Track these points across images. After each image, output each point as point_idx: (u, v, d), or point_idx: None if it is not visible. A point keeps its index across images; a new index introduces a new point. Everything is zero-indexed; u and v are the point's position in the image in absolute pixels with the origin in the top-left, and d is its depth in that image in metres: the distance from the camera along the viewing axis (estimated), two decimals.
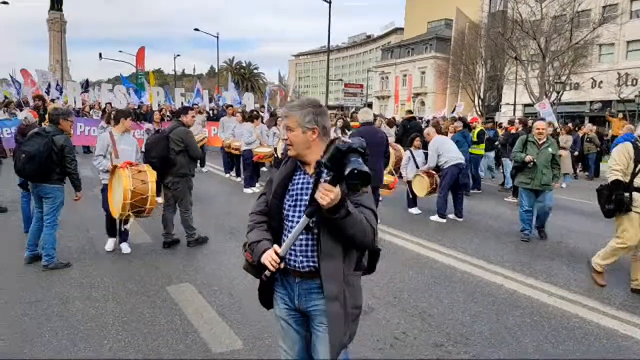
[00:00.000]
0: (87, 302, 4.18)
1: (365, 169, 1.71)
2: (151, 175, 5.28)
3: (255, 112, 11.46)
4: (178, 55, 73.65)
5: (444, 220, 7.80)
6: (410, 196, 8.54)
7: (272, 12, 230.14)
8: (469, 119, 17.31)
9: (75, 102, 17.77)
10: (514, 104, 34.52)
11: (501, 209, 9.27)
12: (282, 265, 1.99)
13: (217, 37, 41.56)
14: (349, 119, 14.09)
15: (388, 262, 5.59)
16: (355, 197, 1.95)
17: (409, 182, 8.43)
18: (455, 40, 45.79)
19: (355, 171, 1.69)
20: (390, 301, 4.43)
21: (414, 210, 8.47)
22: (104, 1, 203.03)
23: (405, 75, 56.44)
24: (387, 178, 7.91)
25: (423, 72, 57.57)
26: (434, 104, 53.54)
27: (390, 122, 12.53)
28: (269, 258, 1.97)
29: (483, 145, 11.54)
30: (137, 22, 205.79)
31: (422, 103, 57.17)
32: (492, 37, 34.73)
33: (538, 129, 6.74)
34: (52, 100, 15.66)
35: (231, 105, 14.93)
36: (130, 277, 4.85)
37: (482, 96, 40.08)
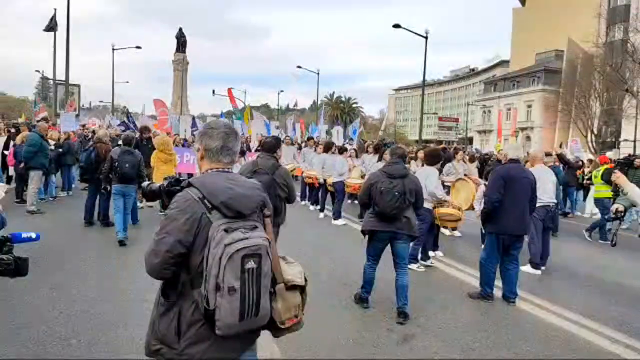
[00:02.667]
0: None
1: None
2: None
3: (344, 146, 12.16)
4: (282, 91, 78.21)
5: (539, 272, 6.84)
6: (484, 231, 8.23)
7: (373, 48, 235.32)
8: (585, 157, 16.13)
9: (186, 133, 19.93)
10: (634, 140, 31.25)
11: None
12: None
13: (318, 73, 43.66)
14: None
15: (445, 294, 5.56)
16: None
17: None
18: (566, 72, 43.04)
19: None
20: (434, 331, 4.43)
21: None
22: (221, 43, 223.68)
23: (509, 109, 54.01)
24: (452, 212, 7.78)
25: (529, 106, 54.61)
26: (541, 139, 50.25)
27: (472, 158, 12.23)
28: None
29: (609, 187, 9.68)
30: (246, 60, 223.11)
31: (528, 138, 53.95)
32: (601, 69, 32.25)
33: None
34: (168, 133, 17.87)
35: (312, 137, 15.66)
36: None
37: (595, 131, 36.87)
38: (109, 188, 7.93)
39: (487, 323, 4.79)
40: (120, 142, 9.34)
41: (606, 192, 9.86)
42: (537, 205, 6.48)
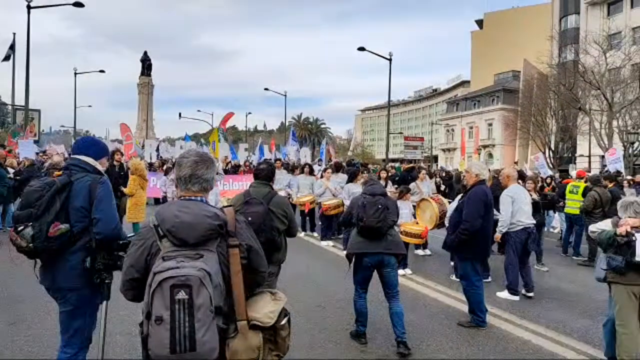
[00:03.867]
0: None
1: None
2: None
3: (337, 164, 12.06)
4: (249, 113, 78.60)
5: (517, 298, 6.41)
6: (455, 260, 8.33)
7: (339, 70, 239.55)
8: (548, 173, 16.77)
9: (151, 157, 19.61)
10: (589, 155, 32.74)
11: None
12: None
13: (285, 95, 43.95)
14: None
15: (415, 315, 5.60)
16: None
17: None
18: (523, 91, 44.89)
19: None
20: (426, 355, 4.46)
21: None
22: (189, 66, 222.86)
23: (471, 128, 55.72)
24: (416, 227, 7.93)
25: (490, 124, 56.59)
26: (502, 156, 52.02)
27: (431, 175, 12.63)
28: None
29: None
30: (214, 83, 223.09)
31: (490, 155, 55.73)
32: (555, 88, 33.95)
33: None
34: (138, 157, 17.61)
35: (279, 159, 15.68)
36: None
37: (552, 148, 38.42)
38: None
39: (460, 340, 4.86)
40: None
41: (577, 208, 9.42)
42: (517, 228, 6.49)
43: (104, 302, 3.14)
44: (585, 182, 10.02)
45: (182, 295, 1.75)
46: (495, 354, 4.53)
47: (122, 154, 10.92)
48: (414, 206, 9.32)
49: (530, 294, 6.54)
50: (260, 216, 3.72)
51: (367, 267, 4.65)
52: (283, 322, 2.04)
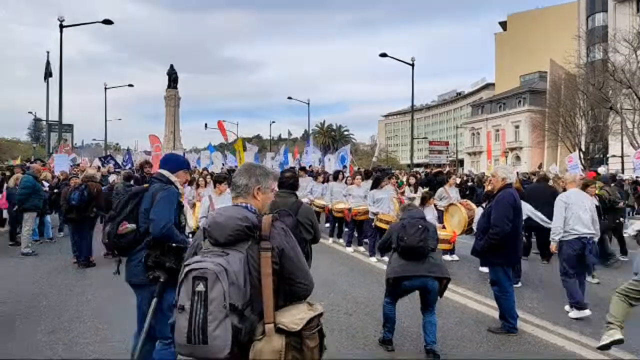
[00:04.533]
0: None
1: None
2: None
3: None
4: (273, 122, 79.25)
5: (588, 312, 5.64)
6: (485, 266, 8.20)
7: (362, 77, 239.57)
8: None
9: None
10: (622, 156, 31.76)
11: None
12: None
13: (308, 104, 44.27)
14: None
15: (444, 320, 5.54)
16: None
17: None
18: (550, 92, 43.99)
19: None
20: None
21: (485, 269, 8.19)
22: (213, 78, 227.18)
23: (497, 130, 54.86)
24: (444, 233, 7.87)
25: (517, 127, 55.61)
26: (530, 158, 50.93)
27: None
28: None
29: None
30: (238, 93, 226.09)
31: (517, 158, 54.66)
32: (584, 88, 33.14)
33: None
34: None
35: (303, 168, 15.73)
36: None
37: (583, 149, 37.43)
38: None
39: (490, 347, 4.79)
40: (114, 179, 9.51)
41: None
42: (570, 237, 5.84)
43: (154, 299, 3.29)
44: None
45: (200, 287, 1.87)
46: None
47: (151, 165, 11.00)
48: (441, 211, 9.24)
49: (575, 314, 5.71)
50: (291, 228, 3.72)
51: (406, 290, 4.57)
52: (312, 330, 2.02)
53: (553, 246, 6.12)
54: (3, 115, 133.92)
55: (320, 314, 2.07)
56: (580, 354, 4.64)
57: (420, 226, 4.50)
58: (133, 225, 3.38)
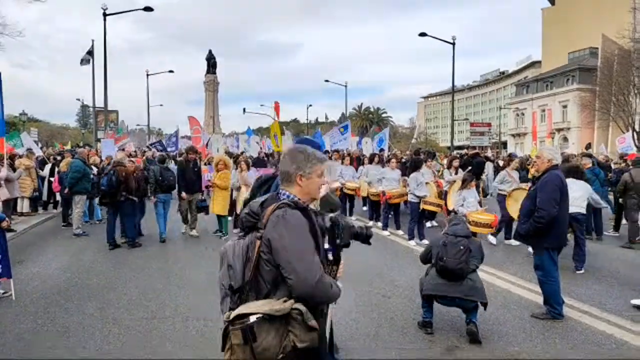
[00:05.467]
0: None
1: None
2: None
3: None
4: (310, 106, 79.62)
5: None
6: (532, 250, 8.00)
7: (401, 58, 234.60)
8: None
9: (218, 151, 20.41)
10: None
11: None
12: None
13: (346, 86, 43.89)
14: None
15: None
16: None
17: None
18: (602, 69, 41.59)
19: None
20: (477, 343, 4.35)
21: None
22: (251, 62, 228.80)
23: (543, 111, 52.55)
24: (485, 217, 7.65)
25: (565, 106, 53.03)
26: (578, 139, 48.59)
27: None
28: None
29: None
30: (275, 77, 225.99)
31: (565, 139, 52.31)
32: (639, 64, 31.09)
33: None
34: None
35: (337, 151, 15.62)
36: None
37: (637, 129, 35.37)
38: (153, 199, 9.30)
39: (533, 332, 4.66)
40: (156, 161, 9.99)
41: None
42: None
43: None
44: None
45: None
46: (574, 348, 4.29)
47: (195, 152, 10.60)
48: (503, 195, 8.96)
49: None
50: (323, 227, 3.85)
51: (442, 304, 4.55)
52: (236, 326, 1.95)
53: None
54: (52, 101, 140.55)
55: (271, 316, 1.92)
56: (634, 343, 4.43)
57: (462, 247, 4.39)
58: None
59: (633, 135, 34.85)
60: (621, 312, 5.21)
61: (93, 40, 23.51)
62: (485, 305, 4.38)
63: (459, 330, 4.56)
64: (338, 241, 2.31)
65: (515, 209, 8.28)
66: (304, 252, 2.01)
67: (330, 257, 2.28)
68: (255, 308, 1.95)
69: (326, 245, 2.25)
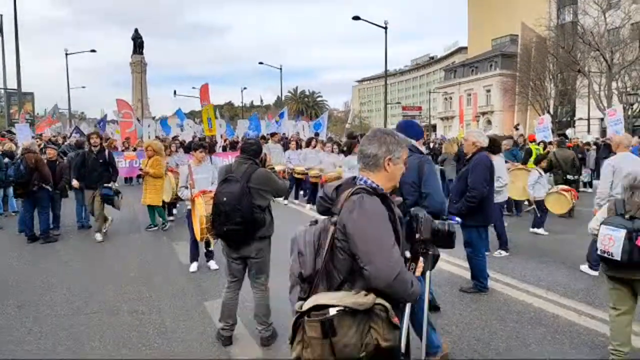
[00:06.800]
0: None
1: None
2: None
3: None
4: (245, 88, 78.12)
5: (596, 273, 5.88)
6: (539, 215, 8.41)
7: (334, 42, 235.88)
8: (550, 138, 16.70)
9: (149, 137, 19.48)
10: (588, 119, 32.59)
11: None
12: None
13: (281, 69, 43.44)
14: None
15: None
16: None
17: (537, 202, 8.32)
18: (521, 56, 44.28)
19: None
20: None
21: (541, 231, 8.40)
22: (181, 43, 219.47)
23: (469, 95, 55.25)
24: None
25: (488, 91, 56.04)
26: (501, 122, 51.73)
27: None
28: None
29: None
30: (207, 59, 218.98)
31: (489, 122, 55.43)
32: (554, 51, 33.50)
33: None
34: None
35: (276, 133, 15.47)
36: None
37: (551, 112, 38.19)
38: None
39: (462, 305, 4.92)
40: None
41: None
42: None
43: (427, 272, 2.68)
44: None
45: None
46: (498, 317, 4.59)
47: (100, 137, 8.86)
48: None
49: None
50: (235, 197, 3.67)
51: None
52: (312, 318, 1.81)
53: (595, 210, 5.41)
54: None
55: (353, 310, 1.75)
56: (549, 310, 4.81)
57: None
58: (400, 199, 2.70)
59: (548, 118, 37.74)
60: (538, 283, 5.65)
61: (1, 15, 21.40)
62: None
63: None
64: (417, 236, 2.14)
65: (514, 188, 8.42)
66: (383, 242, 1.81)
67: (407, 254, 2.07)
68: (337, 300, 1.77)
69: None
